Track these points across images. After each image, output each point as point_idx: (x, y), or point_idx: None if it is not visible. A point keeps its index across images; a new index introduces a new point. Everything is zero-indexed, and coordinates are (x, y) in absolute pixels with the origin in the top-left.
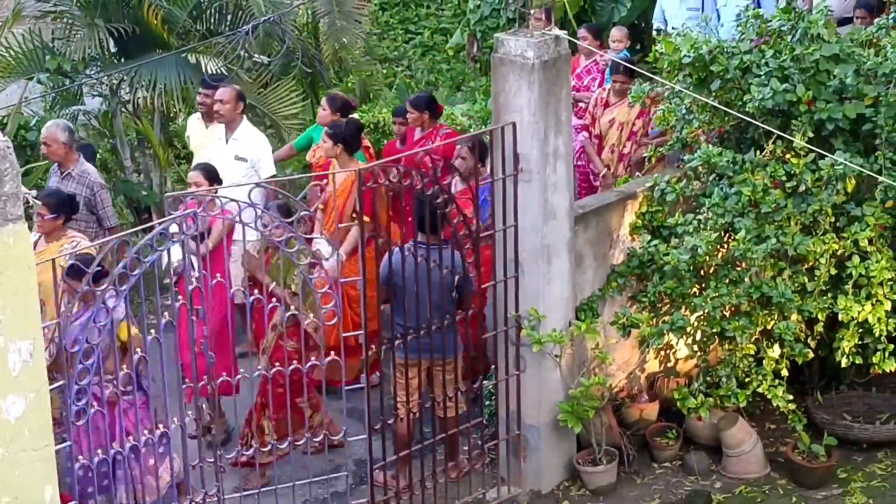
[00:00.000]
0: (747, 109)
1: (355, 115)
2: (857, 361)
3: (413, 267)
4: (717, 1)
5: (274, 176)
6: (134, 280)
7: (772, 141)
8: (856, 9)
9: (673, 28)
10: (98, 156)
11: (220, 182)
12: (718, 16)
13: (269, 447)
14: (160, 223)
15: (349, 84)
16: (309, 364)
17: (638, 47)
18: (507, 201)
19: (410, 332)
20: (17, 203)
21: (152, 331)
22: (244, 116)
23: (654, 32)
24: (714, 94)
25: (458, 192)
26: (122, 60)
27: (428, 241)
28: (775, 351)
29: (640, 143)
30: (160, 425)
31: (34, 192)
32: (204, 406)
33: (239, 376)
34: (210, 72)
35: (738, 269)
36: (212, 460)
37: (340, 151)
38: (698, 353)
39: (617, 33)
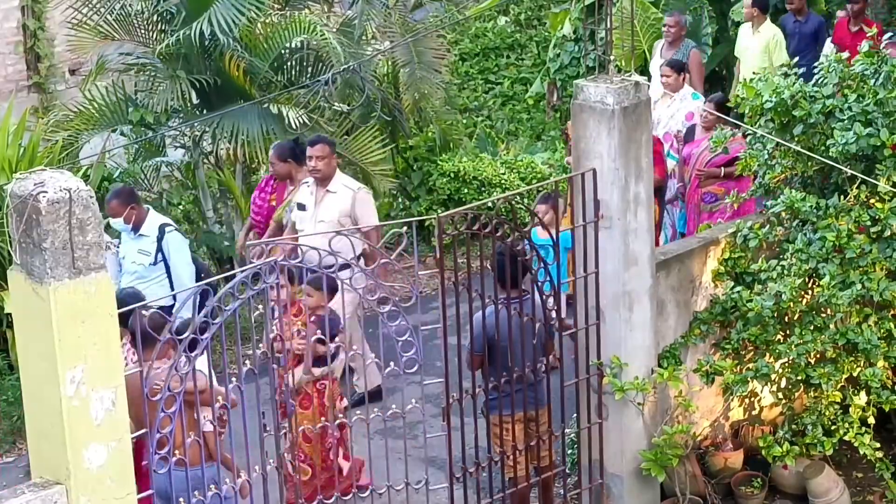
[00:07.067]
0: (831, 154)
1: None
2: None
3: (506, 322)
4: None
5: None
6: (215, 329)
7: (856, 186)
8: None
9: None
10: (181, 207)
11: None
12: None
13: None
14: (241, 272)
15: (430, 133)
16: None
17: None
18: (588, 248)
19: (508, 388)
20: (100, 252)
21: (234, 379)
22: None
23: None
24: (797, 138)
25: None
26: (204, 112)
27: (520, 294)
28: (861, 398)
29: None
30: (241, 474)
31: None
32: (286, 455)
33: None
34: (292, 122)
35: (823, 315)
36: None
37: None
38: (783, 401)
39: None
